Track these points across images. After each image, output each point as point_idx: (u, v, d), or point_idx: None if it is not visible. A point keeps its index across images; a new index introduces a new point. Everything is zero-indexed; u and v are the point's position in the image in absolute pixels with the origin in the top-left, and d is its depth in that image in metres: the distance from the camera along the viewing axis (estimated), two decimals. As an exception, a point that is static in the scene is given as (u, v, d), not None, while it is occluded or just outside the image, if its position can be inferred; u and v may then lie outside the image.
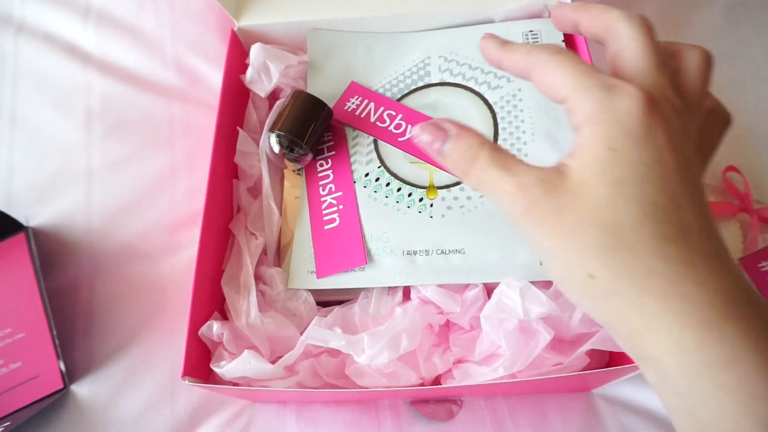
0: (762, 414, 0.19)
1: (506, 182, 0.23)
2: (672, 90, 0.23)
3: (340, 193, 0.36)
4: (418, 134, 0.25)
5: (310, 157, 0.38)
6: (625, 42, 0.23)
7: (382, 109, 0.39)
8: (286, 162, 0.39)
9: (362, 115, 0.39)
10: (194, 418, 0.38)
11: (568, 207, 0.22)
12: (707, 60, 0.24)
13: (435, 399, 0.38)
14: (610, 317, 0.22)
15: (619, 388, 0.38)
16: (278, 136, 0.36)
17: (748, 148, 0.44)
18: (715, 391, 0.20)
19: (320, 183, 0.37)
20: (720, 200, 0.43)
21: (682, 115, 0.22)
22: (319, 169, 0.38)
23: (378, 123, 0.38)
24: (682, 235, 0.21)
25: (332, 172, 0.37)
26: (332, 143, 0.39)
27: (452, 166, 0.25)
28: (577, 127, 0.22)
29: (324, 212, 0.36)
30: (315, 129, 0.37)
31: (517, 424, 0.37)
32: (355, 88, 0.40)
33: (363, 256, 0.34)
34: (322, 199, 0.37)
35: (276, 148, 0.37)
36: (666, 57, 0.24)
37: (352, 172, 0.37)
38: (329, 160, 0.38)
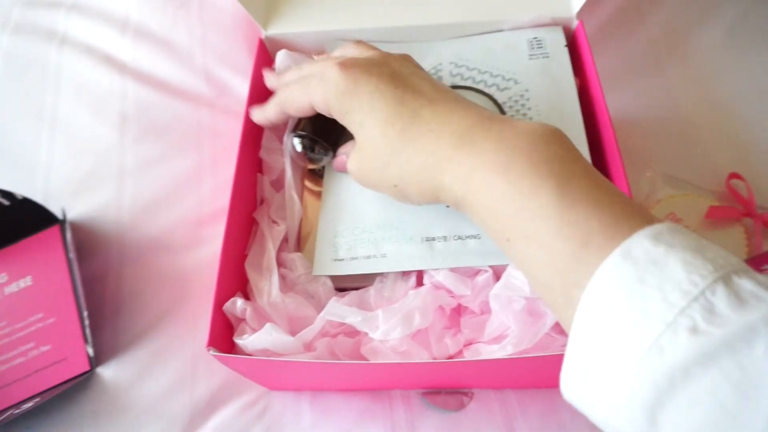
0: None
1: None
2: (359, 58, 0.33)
3: None
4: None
5: (330, 155, 0.40)
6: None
7: None
8: (308, 161, 0.41)
9: None
10: (212, 403, 0.39)
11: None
12: (355, 42, 0.36)
13: (446, 390, 0.39)
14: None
15: (627, 379, 0.38)
16: (300, 136, 0.38)
17: (750, 157, 0.46)
18: None
19: None
20: (724, 205, 0.44)
21: (381, 61, 0.33)
22: None
23: None
24: (413, 113, 0.31)
25: None
26: None
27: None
28: None
29: None
30: (335, 129, 0.39)
31: (526, 417, 0.37)
32: None
33: None
34: None
35: (299, 148, 0.39)
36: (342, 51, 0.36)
37: None
38: None
